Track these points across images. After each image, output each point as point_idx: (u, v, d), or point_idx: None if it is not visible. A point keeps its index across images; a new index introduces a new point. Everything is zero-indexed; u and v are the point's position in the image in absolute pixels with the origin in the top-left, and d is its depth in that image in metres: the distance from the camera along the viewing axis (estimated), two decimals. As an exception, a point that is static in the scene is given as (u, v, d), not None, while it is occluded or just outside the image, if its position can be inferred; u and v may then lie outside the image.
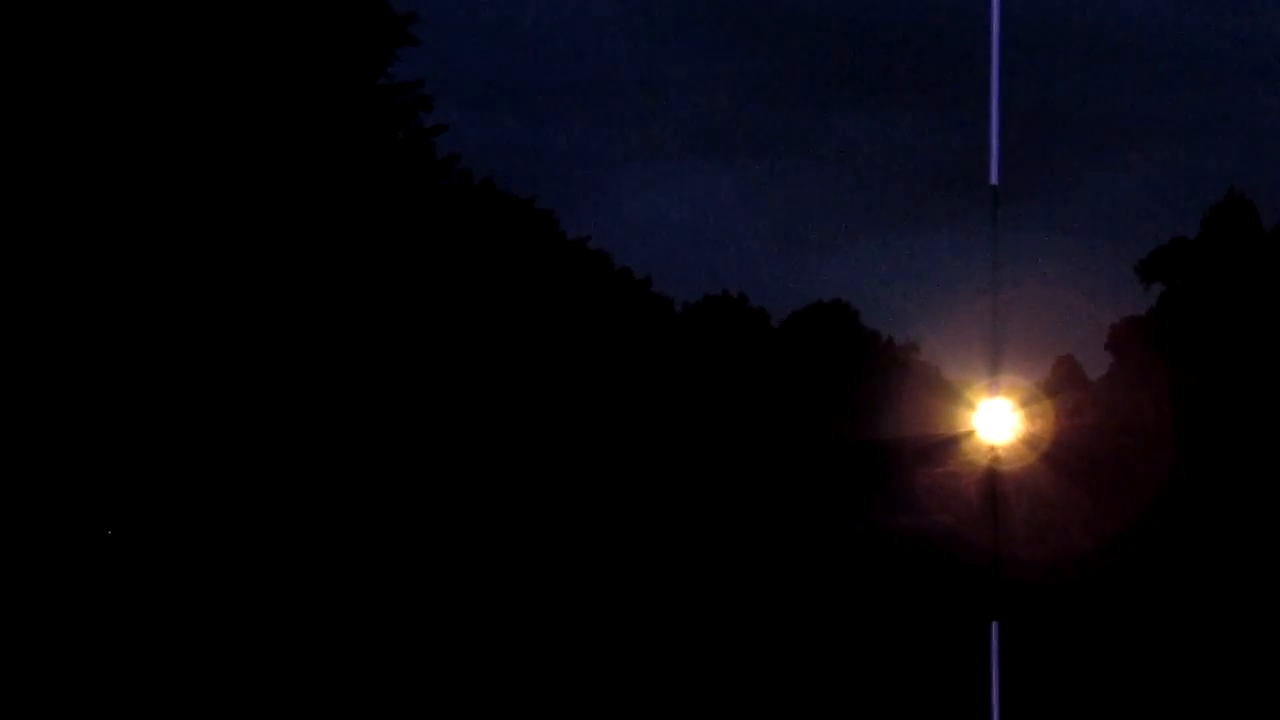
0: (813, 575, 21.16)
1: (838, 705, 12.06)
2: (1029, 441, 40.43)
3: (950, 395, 71.92)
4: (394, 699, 11.96)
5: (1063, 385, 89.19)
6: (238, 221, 27.42)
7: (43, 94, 24.10)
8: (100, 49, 24.82)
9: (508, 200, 50.68)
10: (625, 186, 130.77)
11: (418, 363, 35.70)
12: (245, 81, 28.33)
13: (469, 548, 24.54)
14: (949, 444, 56.91)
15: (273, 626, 14.00)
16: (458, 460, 36.29)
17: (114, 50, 25.05)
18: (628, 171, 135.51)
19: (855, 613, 17.10)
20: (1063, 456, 48.68)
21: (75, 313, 23.75)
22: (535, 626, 16.18)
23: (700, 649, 14.75)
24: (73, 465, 22.23)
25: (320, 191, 30.54)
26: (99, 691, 10.85)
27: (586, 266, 59.61)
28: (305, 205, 29.93)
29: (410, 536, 26.39)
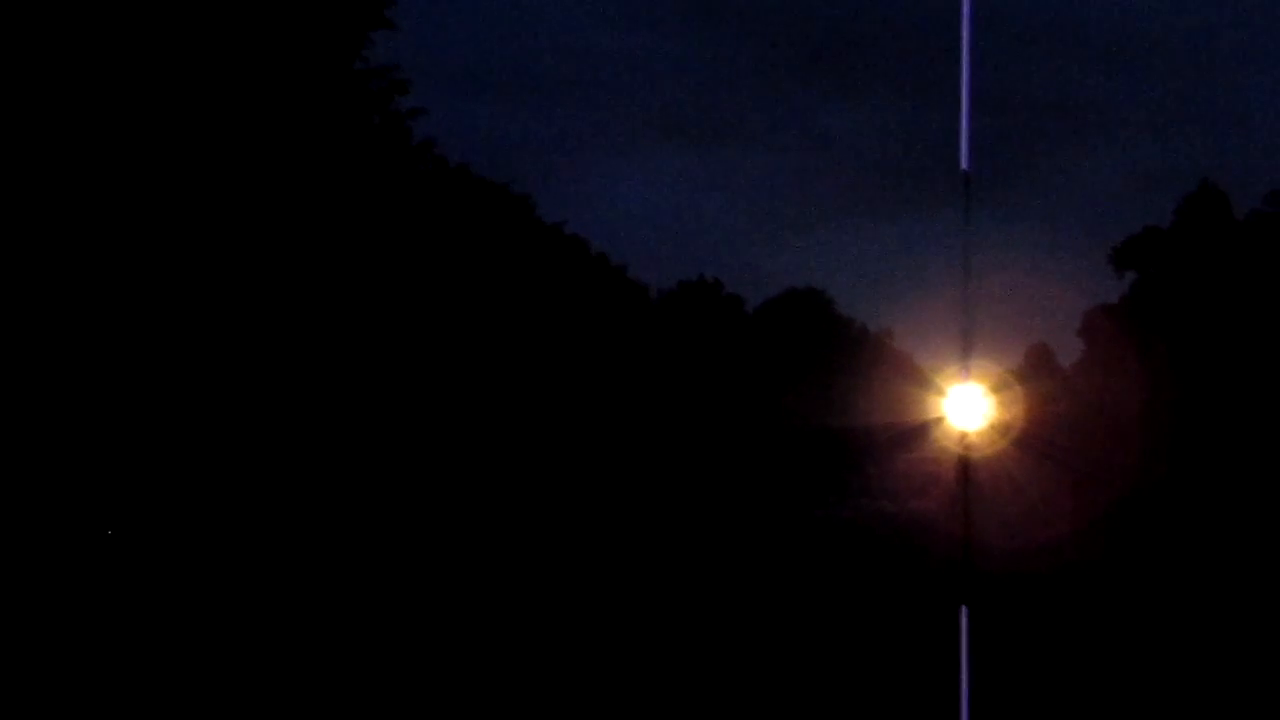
0: (782, 563, 21.24)
1: (812, 686, 12.14)
2: (1001, 428, 40.57)
3: (923, 382, 72.14)
4: (381, 678, 11.99)
5: (1035, 372, 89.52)
6: (210, 207, 27.34)
7: (19, 81, 23.99)
8: (69, 29, 24.71)
9: (484, 185, 50.60)
10: (600, 172, 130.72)
11: (393, 346, 35.65)
12: (218, 64, 28.22)
13: (440, 524, 24.57)
14: (921, 431, 57.12)
15: (272, 622, 14.01)
16: (432, 441, 36.27)
17: (82, 32, 24.94)
18: (603, 157, 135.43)
19: (828, 598, 17.18)
20: (1035, 444, 48.88)
21: (60, 308, 23.67)
22: (507, 613, 16.22)
23: (677, 632, 14.80)
24: (73, 465, 22.16)
25: (295, 175, 30.45)
26: (99, 691, 10.86)
27: (563, 252, 59.58)
28: (280, 189, 29.84)
29: (383, 509, 26.39)
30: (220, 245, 27.42)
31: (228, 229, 27.69)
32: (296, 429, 29.13)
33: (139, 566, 16.92)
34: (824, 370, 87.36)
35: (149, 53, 26.30)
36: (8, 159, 23.55)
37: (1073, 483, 35.20)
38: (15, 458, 21.36)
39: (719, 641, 14.19)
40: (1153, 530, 24.47)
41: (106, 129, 25.16)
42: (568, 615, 15.88)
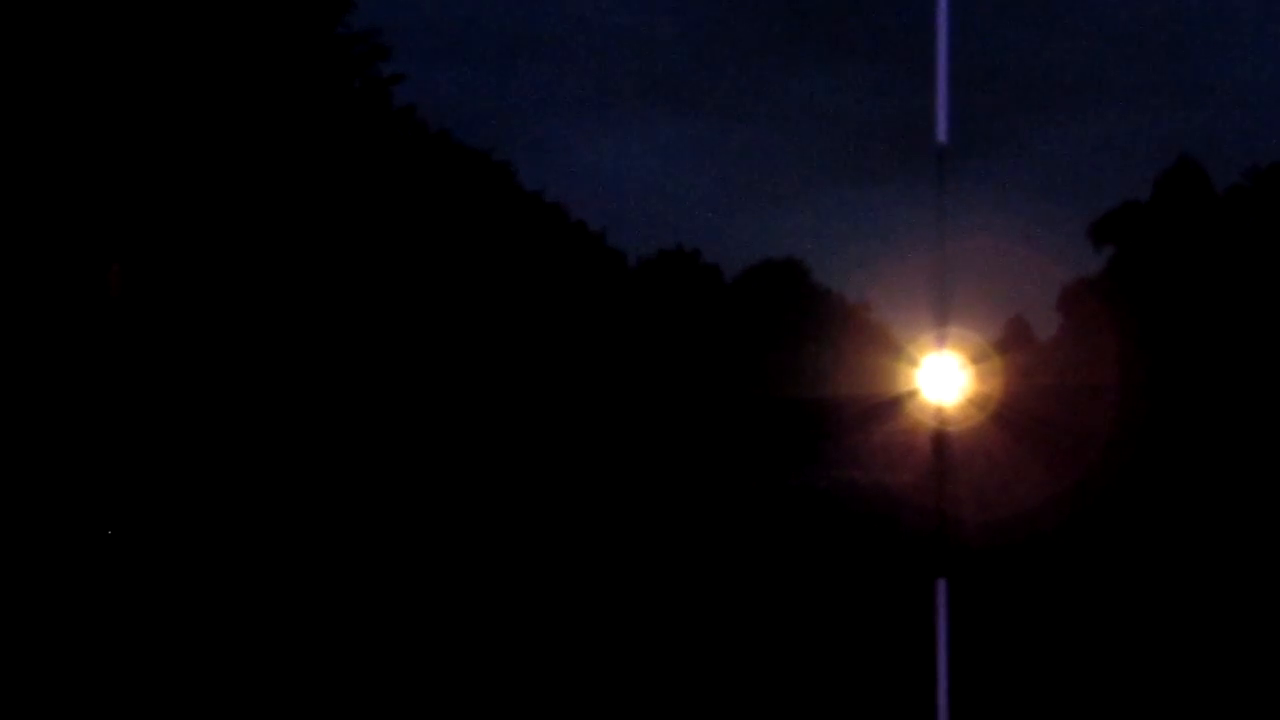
0: (754, 531, 21.30)
1: (784, 657, 12.20)
2: (977, 401, 40.69)
3: (900, 354, 72.29)
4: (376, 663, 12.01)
5: (1014, 344, 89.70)
6: (197, 176, 27.25)
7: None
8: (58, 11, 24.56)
9: (463, 152, 50.47)
10: (579, 140, 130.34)
11: (375, 309, 35.58)
12: (200, 29, 28.07)
13: (415, 476, 24.60)
14: (896, 403, 57.25)
15: (271, 619, 14.01)
16: (411, 399, 36.26)
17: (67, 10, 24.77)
18: (582, 125, 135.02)
19: (801, 569, 17.25)
20: (1011, 415, 49.03)
21: (62, 299, 23.57)
22: (482, 582, 16.25)
23: (644, 599, 14.85)
24: (73, 465, 22.09)
25: (275, 139, 30.31)
26: (99, 691, 10.86)
27: (542, 219, 59.48)
28: (261, 154, 29.71)
29: (362, 456, 26.40)
30: (205, 213, 27.34)
31: (212, 197, 27.61)
32: (280, 384, 29.11)
33: (139, 567, 16.88)
34: (801, 340, 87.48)
35: (132, 21, 26.14)
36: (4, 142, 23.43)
37: (1048, 454, 35.34)
38: (15, 458, 21.28)
39: (686, 611, 14.24)
40: (1127, 502, 24.60)
41: (92, 100, 25.05)
42: (534, 577, 15.92)
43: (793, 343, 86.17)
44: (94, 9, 25.39)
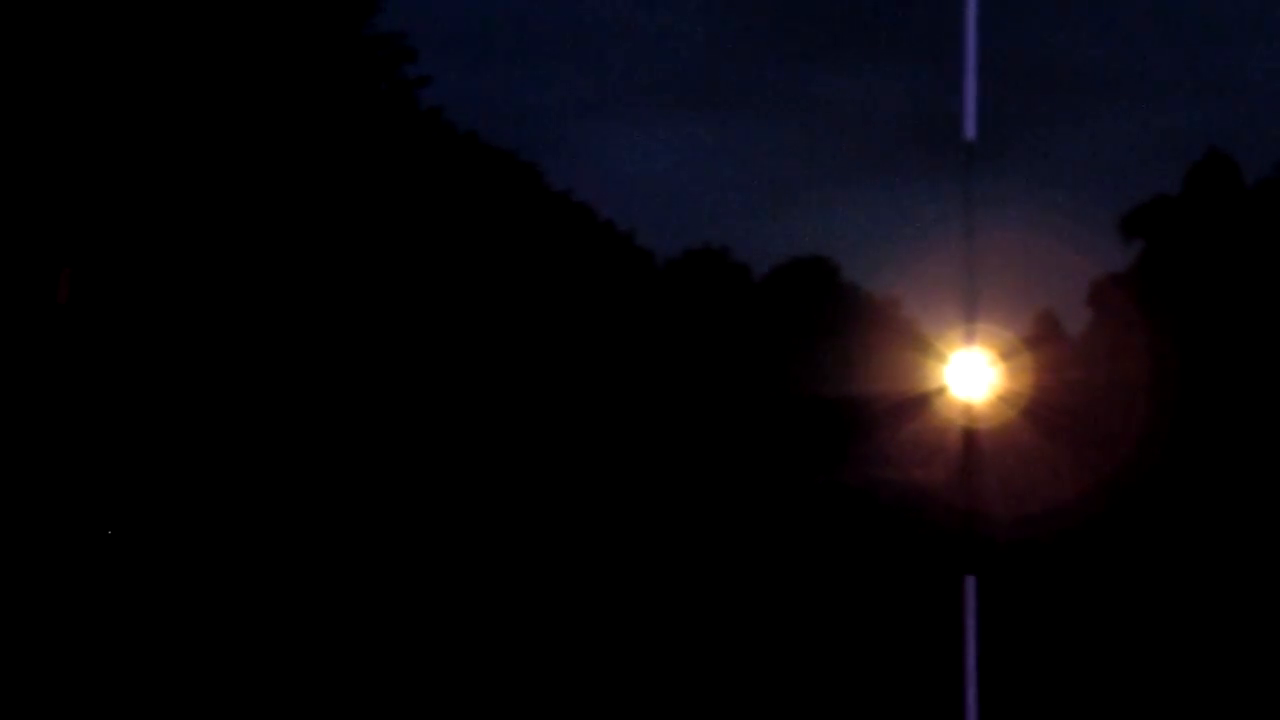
0: (783, 528, 21.27)
1: (813, 653, 12.16)
2: (1006, 396, 40.51)
3: (929, 350, 72.04)
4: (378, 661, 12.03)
5: (1043, 340, 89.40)
6: (218, 180, 27.34)
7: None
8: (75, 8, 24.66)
9: (490, 153, 50.53)
10: (606, 139, 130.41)
11: (402, 313, 35.64)
12: (225, 32, 28.16)
13: (443, 481, 24.64)
14: (925, 399, 57.07)
15: (272, 620, 14.05)
16: (438, 403, 36.31)
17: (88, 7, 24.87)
18: (609, 124, 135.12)
19: (830, 564, 17.21)
20: (1041, 411, 48.86)
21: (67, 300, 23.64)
22: (508, 584, 16.25)
23: (674, 598, 14.83)
24: (73, 465, 22.16)
25: (303, 143, 30.40)
26: (98, 692, 10.90)
27: (570, 219, 59.51)
28: (287, 158, 29.79)
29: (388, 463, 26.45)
30: (228, 216, 27.43)
31: (233, 198, 27.70)
32: (298, 391, 29.19)
33: (139, 567, 16.93)
34: (830, 338, 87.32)
35: (159, 22, 26.25)
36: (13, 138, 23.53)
37: (1078, 450, 35.18)
38: (15, 458, 21.34)
39: (717, 607, 14.22)
40: (1158, 500, 24.46)
41: (114, 97, 25.14)
42: (565, 580, 15.92)
43: (821, 340, 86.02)
44: (125, 11, 25.54)
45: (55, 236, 23.66)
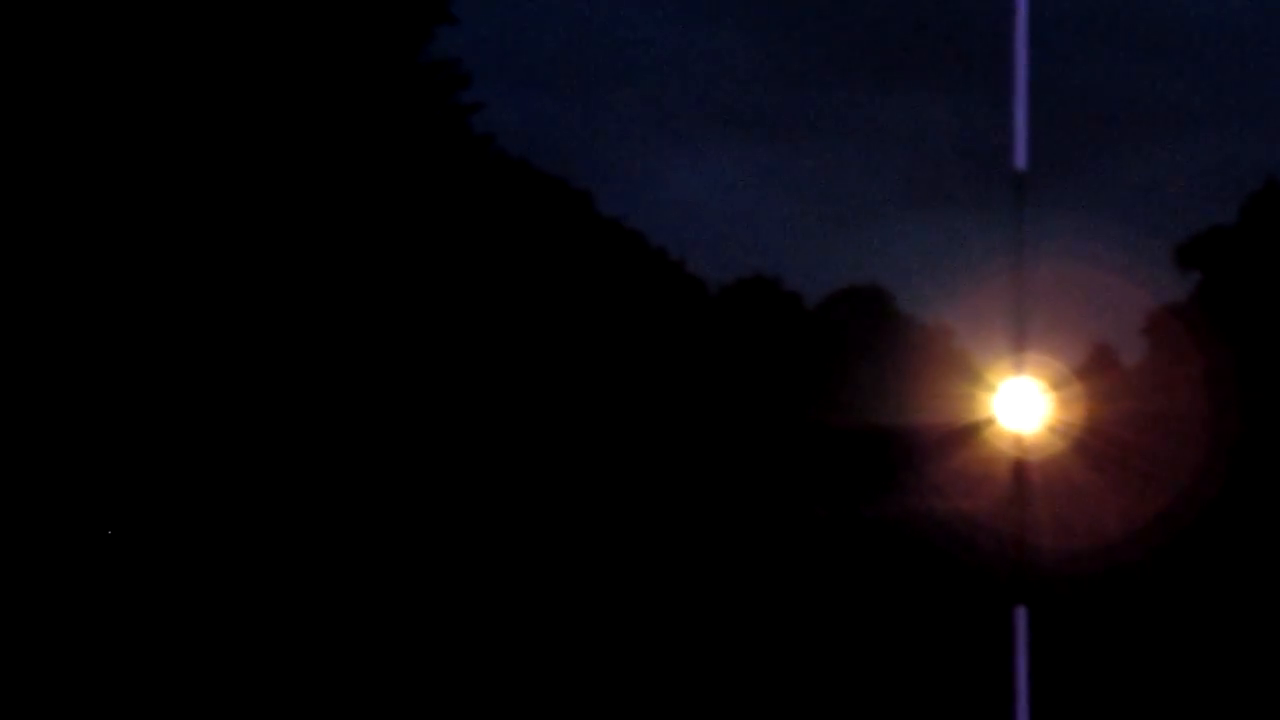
0: (830, 560, 21.19)
1: (863, 684, 12.11)
2: (1057, 427, 40.17)
3: (978, 380, 71.65)
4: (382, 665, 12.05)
5: (1098, 371, 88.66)
6: (270, 202, 27.54)
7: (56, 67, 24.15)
8: (129, 24, 24.92)
9: (543, 179, 50.68)
10: (658, 166, 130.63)
11: (452, 340, 35.78)
12: (282, 59, 28.42)
13: (482, 521, 24.65)
14: (975, 429, 56.77)
15: (272, 621, 14.09)
16: (487, 429, 36.38)
17: (146, 27, 25.13)
18: (660, 151, 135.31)
19: (876, 596, 17.13)
20: (1094, 443, 48.46)
21: (73, 304, 23.74)
22: (532, 616, 16.26)
23: (724, 624, 14.80)
24: (73, 464, 22.23)
25: (358, 169, 30.62)
26: (98, 692, 10.95)
27: (622, 246, 59.58)
28: (341, 184, 30.02)
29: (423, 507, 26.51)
30: (277, 237, 27.61)
31: (286, 222, 27.89)
32: (343, 421, 29.31)
33: (139, 567, 17.02)
34: (880, 366, 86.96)
35: (215, 45, 26.51)
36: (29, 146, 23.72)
37: (1131, 484, 34.87)
38: (15, 457, 21.42)
39: (765, 637, 14.16)
40: (1212, 534, 24.21)
41: (166, 118, 25.39)
42: (616, 616, 15.90)
43: (872, 369, 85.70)
44: (186, 37, 25.82)
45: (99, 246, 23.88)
